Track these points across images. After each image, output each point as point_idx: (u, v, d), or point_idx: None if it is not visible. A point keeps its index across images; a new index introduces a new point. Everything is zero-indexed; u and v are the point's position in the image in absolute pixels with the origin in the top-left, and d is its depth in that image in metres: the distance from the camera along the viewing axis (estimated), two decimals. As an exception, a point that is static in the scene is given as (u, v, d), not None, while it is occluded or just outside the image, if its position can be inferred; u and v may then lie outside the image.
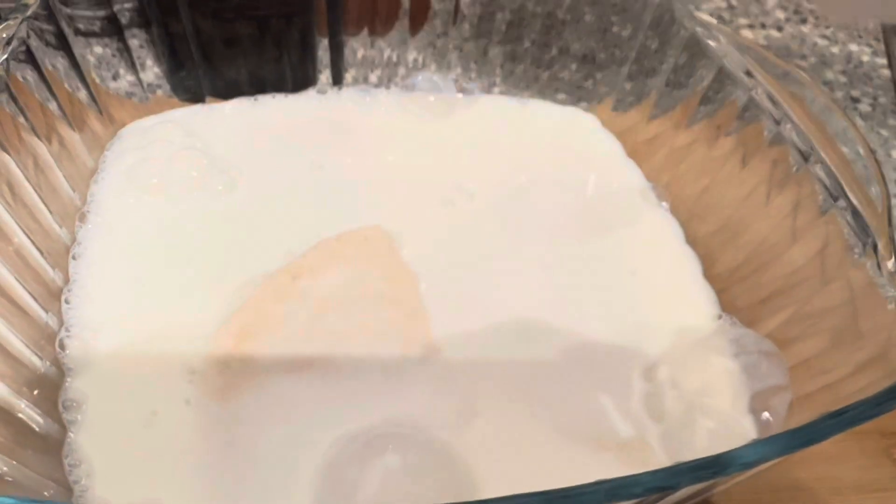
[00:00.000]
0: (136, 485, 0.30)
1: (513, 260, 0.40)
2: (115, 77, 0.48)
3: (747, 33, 0.72)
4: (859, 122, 0.62)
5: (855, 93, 0.65)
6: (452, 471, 0.32)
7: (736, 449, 0.24)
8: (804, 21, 0.74)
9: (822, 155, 0.35)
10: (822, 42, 0.71)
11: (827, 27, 0.72)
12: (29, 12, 0.38)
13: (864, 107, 0.64)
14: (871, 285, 0.32)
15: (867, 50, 0.70)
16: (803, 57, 0.69)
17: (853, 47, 0.70)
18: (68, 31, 0.42)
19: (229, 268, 0.37)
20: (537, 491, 0.21)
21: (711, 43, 0.42)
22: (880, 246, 0.31)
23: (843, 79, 0.67)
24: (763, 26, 0.73)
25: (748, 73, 0.40)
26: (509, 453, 0.33)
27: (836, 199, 0.34)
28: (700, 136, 0.44)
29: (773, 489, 0.38)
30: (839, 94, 0.65)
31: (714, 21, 0.42)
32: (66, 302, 0.35)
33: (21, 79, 0.38)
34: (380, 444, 0.32)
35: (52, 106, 0.40)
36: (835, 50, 0.70)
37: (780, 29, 0.73)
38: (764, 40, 0.71)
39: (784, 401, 0.34)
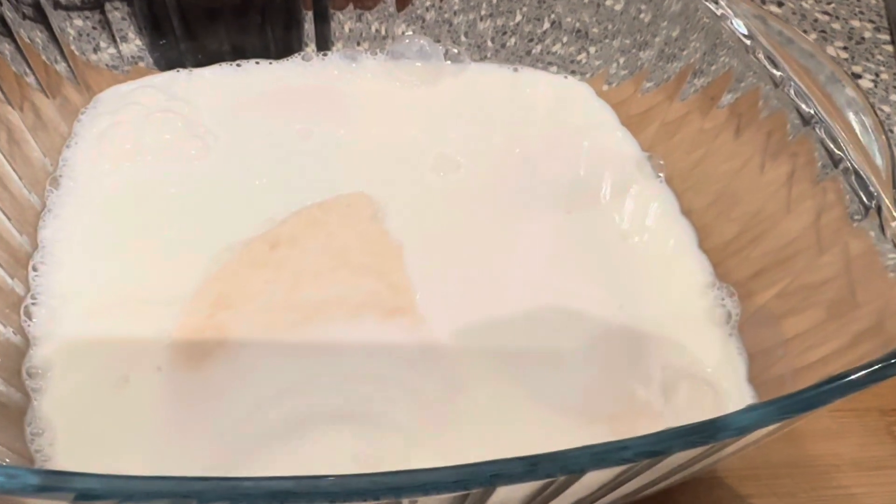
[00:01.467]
0: (100, 454, 0.29)
1: (501, 230, 0.39)
2: (97, 49, 0.47)
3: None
4: (861, 97, 0.61)
5: (856, 68, 0.64)
6: (435, 446, 0.31)
7: (729, 414, 0.23)
8: (805, -3, 0.72)
9: (825, 116, 0.34)
10: (823, 17, 0.69)
11: (829, 2, 0.71)
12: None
13: (866, 83, 0.63)
14: (868, 253, 0.31)
15: (869, 25, 0.69)
16: (804, 32, 0.67)
17: (855, 23, 0.69)
18: (45, 3, 0.41)
19: (206, 234, 0.36)
20: (525, 455, 0.20)
21: (710, 6, 0.41)
22: (884, 207, 0.30)
23: (844, 55, 0.65)
24: (763, 1, 0.71)
25: (748, 36, 0.38)
26: (496, 427, 0.32)
27: (837, 164, 0.33)
28: (693, 107, 0.43)
29: (771, 465, 0.37)
30: (841, 71, 0.64)
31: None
32: (34, 269, 0.34)
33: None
34: (357, 418, 0.31)
35: (30, 79, 0.39)
36: (836, 26, 0.68)
37: (780, 4, 0.71)
38: (764, 17, 0.70)
39: (779, 372, 0.33)
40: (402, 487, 0.19)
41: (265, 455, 0.29)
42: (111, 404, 0.30)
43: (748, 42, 0.38)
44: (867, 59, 0.65)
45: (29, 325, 0.32)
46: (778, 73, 0.36)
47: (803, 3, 0.71)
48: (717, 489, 0.35)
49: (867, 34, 0.68)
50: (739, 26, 0.38)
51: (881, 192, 0.30)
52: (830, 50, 0.66)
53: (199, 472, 0.28)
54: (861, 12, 0.70)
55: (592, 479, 0.23)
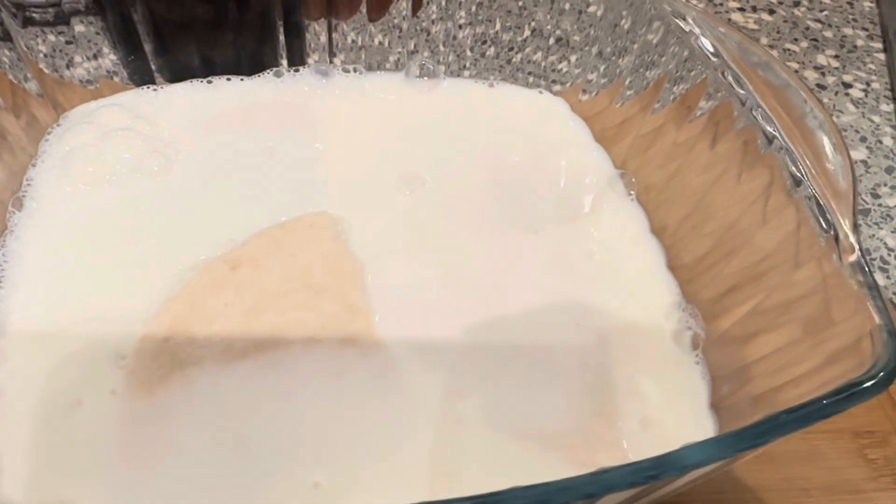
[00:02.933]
0: (47, 483, 0.28)
1: (466, 250, 0.39)
2: (70, 65, 0.47)
3: (738, 17, 0.69)
4: (850, 107, 0.60)
5: (847, 77, 0.63)
6: (391, 472, 0.31)
7: (677, 450, 0.22)
8: (797, 4, 0.71)
9: (786, 140, 0.33)
10: (815, 25, 0.68)
11: (821, 10, 0.70)
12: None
13: (857, 92, 0.61)
14: (840, 272, 0.30)
15: (862, 33, 0.67)
16: (795, 41, 0.66)
17: (848, 30, 0.68)
18: (11, 23, 0.41)
19: (167, 254, 0.36)
20: (454, 498, 0.19)
21: (680, 22, 0.40)
22: (842, 237, 0.29)
23: (835, 63, 0.64)
24: (754, 9, 0.70)
25: (715, 54, 0.38)
26: (453, 457, 0.31)
27: (798, 186, 0.32)
28: (669, 117, 0.42)
29: (739, 489, 0.36)
30: (830, 80, 0.63)
31: (684, -1, 0.40)
32: (-8, 293, 0.34)
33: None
34: (309, 448, 0.30)
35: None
36: (828, 34, 0.67)
37: (772, 12, 0.70)
38: (755, 24, 0.69)
39: (743, 396, 0.32)
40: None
41: (223, 483, 0.29)
42: (61, 429, 0.30)
43: (715, 60, 0.37)
44: (858, 69, 0.64)
45: (-18, 350, 0.32)
46: (743, 93, 0.35)
47: (795, 11, 0.70)
48: (682, 514, 0.35)
49: (860, 42, 0.67)
50: (706, 45, 0.37)
51: (839, 222, 0.29)
52: (821, 58, 0.65)
53: (148, 502, 0.29)
54: (854, 19, 0.69)
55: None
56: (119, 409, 0.31)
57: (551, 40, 0.50)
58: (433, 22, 0.51)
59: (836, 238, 0.29)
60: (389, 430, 0.31)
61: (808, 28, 0.68)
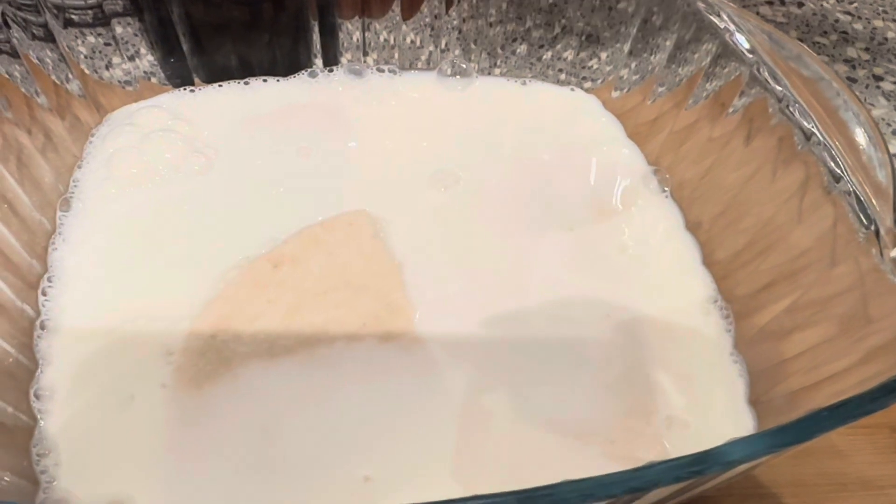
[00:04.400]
0: (103, 474, 0.29)
1: (503, 248, 0.39)
2: (109, 66, 0.48)
3: (766, 10, 0.69)
4: (882, 100, 0.60)
5: (878, 70, 0.62)
6: (437, 466, 0.31)
7: (721, 446, 0.23)
8: (827, -4, 0.71)
9: (825, 136, 0.33)
10: (844, 18, 0.68)
11: (851, 2, 0.69)
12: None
13: (888, 85, 0.61)
14: (879, 268, 0.30)
15: (893, 26, 0.67)
16: (824, 33, 0.66)
17: (878, 23, 0.67)
18: (54, 24, 0.42)
19: (210, 254, 0.37)
20: (504, 492, 0.20)
21: (714, 19, 0.40)
22: (882, 233, 0.29)
23: (865, 56, 0.64)
24: (783, 3, 0.70)
25: (751, 51, 0.38)
26: (493, 446, 0.32)
27: (837, 181, 0.32)
28: (703, 114, 0.42)
29: (776, 484, 0.36)
30: (861, 73, 0.62)
31: (715, -5, 0.40)
32: (43, 293, 0.35)
33: (6, 74, 0.38)
34: (357, 443, 0.31)
35: (40, 99, 0.40)
36: (858, 26, 0.67)
37: (800, 5, 0.70)
38: (783, 17, 0.68)
39: (780, 393, 0.33)
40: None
41: (273, 476, 0.30)
42: (117, 423, 0.31)
43: (751, 56, 0.37)
44: (889, 61, 0.63)
45: (38, 348, 0.33)
46: (779, 89, 0.35)
47: (824, 4, 0.69)
48: (720, 510, 0.35)
49: (890, 34, 0.66)
50: (742, 41, 0.37)
51: (879, 217, 0.29)
52: (851, 51, 0.64)
53: (199, 495, 0.30)
54: (885, 11, 0.69)
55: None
56: (169, 403, 0.32)
57: (582, 37, 0.50)
58: (464, 20, 0.51)
59: (878, 233, 0.29)
60: (433, 424, 0.32)
61: (837, 21, 0.68)
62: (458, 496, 0.20)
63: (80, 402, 0.32)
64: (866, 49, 0.65)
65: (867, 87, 0.61)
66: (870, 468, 0.37)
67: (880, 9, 0.69)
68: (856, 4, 0.69)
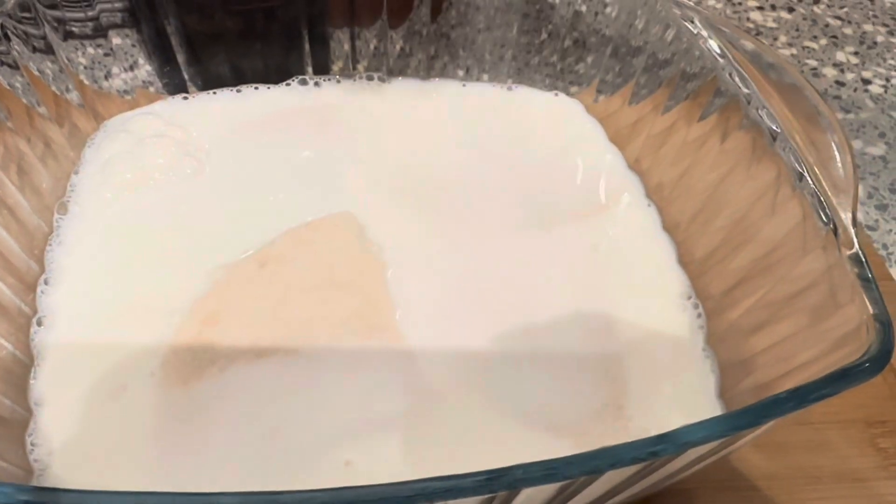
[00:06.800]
0: (94, 464, 0.31)
1: (484, 248, 0.40)
2: (108, 76, 0.49)
3: (756, 15, 0.70)
4: (869, 103, 0.60)
5: (867, 74, 0.63)
6: (409, 458, 0.32)
7: (678, 428, 0.24)
8: (817, 1, 0.72)
9: (789, 136, 0.34)
10: (834, 22, 0.69)
11: (841, 7, 0.70)
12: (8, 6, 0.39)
13: (876, 88, 0.62)
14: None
15: (882, 30, 0.68)
16: (814, 38, 0.67)
17: (867, 27, 0.68)
18: (54, 37, 0.44)
19: (199, 254, 0.38)
20: (471, 472, 0.21)
21: (688, 25, 0.41)
22: (840, 231, 0.30)
23: (854, 60, 0.65)
24: (773, 7, 0.71)
25: (721, 55, 0.39)
26: (468, 441, 0.33)
27: (800, 181, 0.33)
28: (680, 115, 0.43)
29: (750, 477, 0.37)
30: (850, 76, 0.63)
31: (690, 1, 0.41)
32: (42, 292, 0.36)
33: (7, 85, 0.40)
34: (338, 433, 0.32)
35: (41, 109, 0.42)
36: (847, 30, 0.68)
37: (791, 10, 0.71)
38: (774, 22, 0.69)
39: (748, 385, 0.34)
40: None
41: (253, 471, 0.31)
42: (109, 413, 0.32)
43: (721, 61, 0.38)
44: (878, 65, 0.64)
45: (34, 344, 0.34)
46: (747, 91, 0.36)
47: (815, 8, 0.70)
48: (694, 501, 0.36)
49: (880, 38, 0.67)
50: (713, 46, 0.38)
51: (837, 218, 0.30)
52: (840, 55, 0.65)
53: (188, 483, 0.31)
54: (875, 16, 0.69)
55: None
56: (158, 396, 0.33)
57: (567, 42, 0.51)
58: (452, 27, 0.52)
59: (835, 232, 0.30)
60: (411, 415, 0.33)
61: (827, 25, 0.69)
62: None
63: (73, 394, 0.33)
64: (855, 53, 0.66)
65: (855, 90, 0.62)
66: (844, 462, 0.38)
67: (870, 13, 0.70)
68: (846, 9, 0.70)
